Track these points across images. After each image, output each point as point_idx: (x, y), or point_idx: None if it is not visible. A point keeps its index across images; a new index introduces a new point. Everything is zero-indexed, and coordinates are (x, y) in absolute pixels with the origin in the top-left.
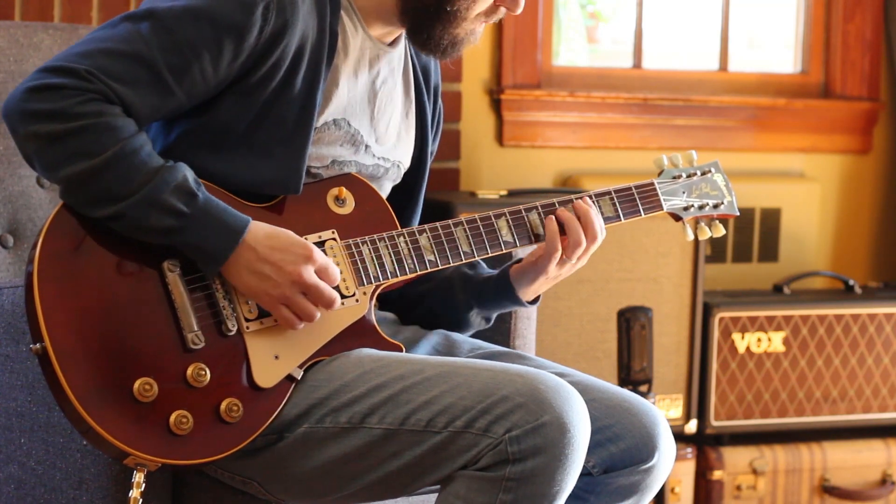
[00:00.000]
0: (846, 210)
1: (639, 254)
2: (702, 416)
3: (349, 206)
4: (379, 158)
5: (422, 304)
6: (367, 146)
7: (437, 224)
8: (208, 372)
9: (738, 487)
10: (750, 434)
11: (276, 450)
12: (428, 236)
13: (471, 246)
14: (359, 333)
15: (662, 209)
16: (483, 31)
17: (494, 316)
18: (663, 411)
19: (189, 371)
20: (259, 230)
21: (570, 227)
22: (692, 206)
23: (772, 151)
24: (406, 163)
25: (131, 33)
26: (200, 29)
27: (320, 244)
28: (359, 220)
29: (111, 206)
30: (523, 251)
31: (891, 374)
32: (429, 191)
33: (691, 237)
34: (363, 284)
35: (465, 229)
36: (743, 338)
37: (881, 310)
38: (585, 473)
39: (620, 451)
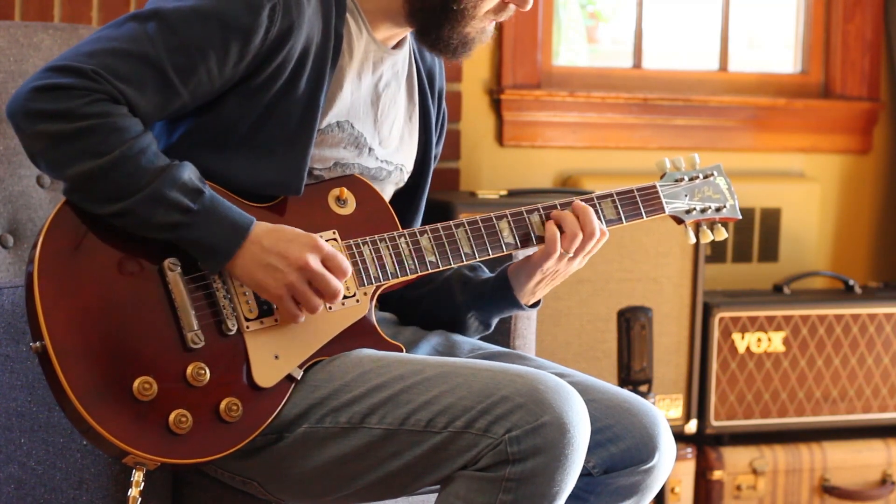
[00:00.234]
0: (846, 210)
1: (639, 254)
2: (702, 416)
3: (350, 207)
4: (382, 161)
5: (421, 305)
6: (370, 149)
7: (439, 225)
8: (208, 371)
9: (738, 487)
10: (750, 434)
11: (276, 450)
12: (429, 237)
13: (472, 247)
14: (359, 334)
15: (664, 212)
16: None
17: (495, 321)
18: (663, 411)
19: (189, 370)
20: (264, 225)
21: (566, 222)
22: (694, 209)
23: (772, 151)
24: (409, 166)
25: (138, 33)
26: (207, 30)
27: None
28: (360, 221)
29: (117, 204)
30: (524, 253)
31: (891, 374)
32: (429, 191)
33: (693, 240)
34: (364, 285)
35: (466, 230)
36: (743, 338)
37: (881, 310)
38: (585, 474)
39: (620, 452)
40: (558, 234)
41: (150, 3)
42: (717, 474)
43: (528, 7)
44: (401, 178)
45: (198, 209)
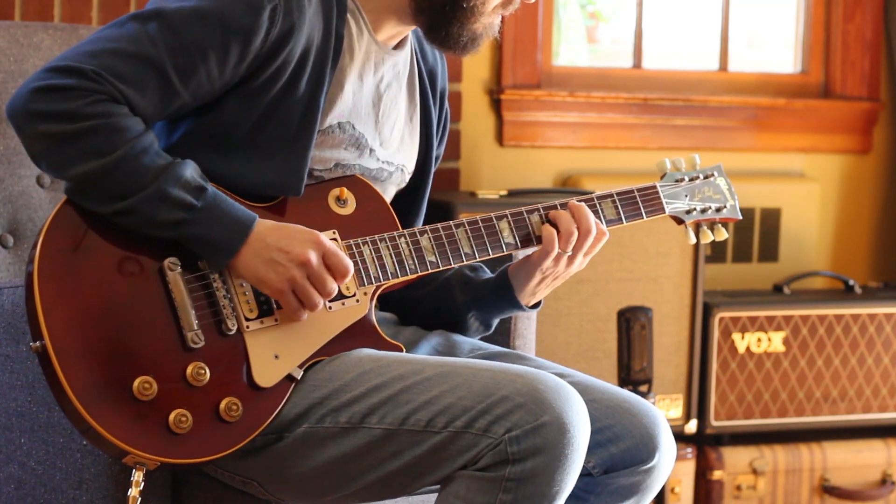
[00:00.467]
0: (846, 210)
1: (639, 254)
2: (702, 416)
3: (350, 207)
4: (383, 162)
5: (422, 306)
6: (371, 150)
7: (439, 225)
8: (208, 371)
9: (738, 487)
10: (750, 434)
11: (276, 449)
12: (429, 237)
13: (472, 247)
14: (359, 334)
15: (665, 212)
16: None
17: (495, 322)
18: (663, 411)
19: (189, 370)
20: (267, 222)
21: (561, 221)
22: (694, 209)
23: (772, 151)
24: (410, 167)
25: (139, 33)
26: (208, 30)
27: None
28: (360, 221)
29: (120, 203)
30: (524, 253)
31: (891, 374)
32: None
33: (693, 240)
34: (364, 285)
35: (466, 230)
36: (743, 338)
37: (881, 310)
38: (585, 474)
39: (621, 452)
40: (555, 233)
41: (150, 3)
42: (717, 474)
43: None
44: (402, 178)
45: (201, 206)
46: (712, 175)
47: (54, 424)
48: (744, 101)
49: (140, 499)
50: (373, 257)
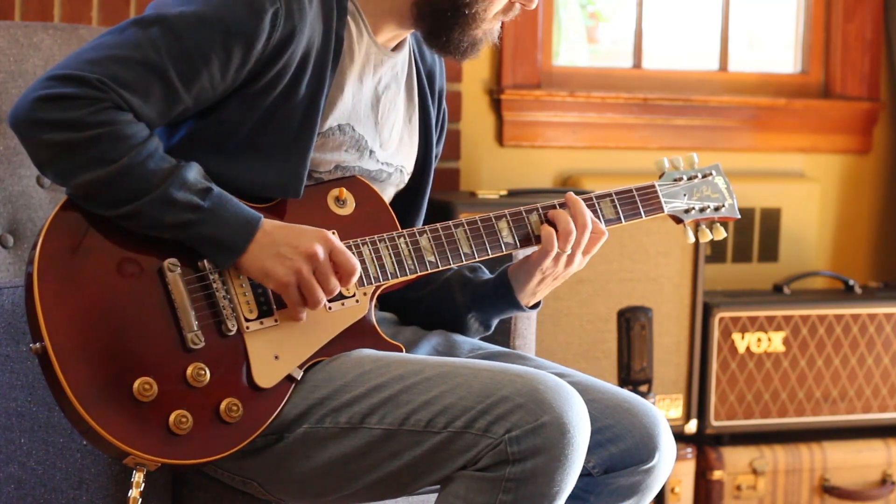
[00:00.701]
0: (846, 210)
1: (639, 254)
2: (702, 416)
3: (349, 207)
4: (383, 163)
5: (421, 306)
6: (371, 151)
7: (438, 225)
8: (208, 372)
9: (738, 487)
10: (750, 434)
11: (276, 450)
12: (428, 237)
13: (471, 247)
14: (359, 334)
15: (663, 211)
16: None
17: (495, 322)
18: (663, 411)
19: (189, 371)
20: (273, 221)
21: (559, 219)
22: (693, 208)
23: (772, 151)
24: (409, 168)
25: (141, 39)
26: (210, 35)
27: None
28: (359, 221)
29: (126, 207)
30: (524, 253)
31: (891, 374)
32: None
33: (692, 239)
34: (363, 285)
35: (465, 230)
36: (743, 338)
37: (881, 310)
38: (585, 474)
39: (621, 452)
40: (554, 233)
41: (151, 7)
42: (717, 474)
43: (534, 6)
44: (401, 179)
45: (208, 206)
46: (710, 174)
47: (54, 424)
48: (744, 101)
49: (140, 500)
50: (372, 257)
